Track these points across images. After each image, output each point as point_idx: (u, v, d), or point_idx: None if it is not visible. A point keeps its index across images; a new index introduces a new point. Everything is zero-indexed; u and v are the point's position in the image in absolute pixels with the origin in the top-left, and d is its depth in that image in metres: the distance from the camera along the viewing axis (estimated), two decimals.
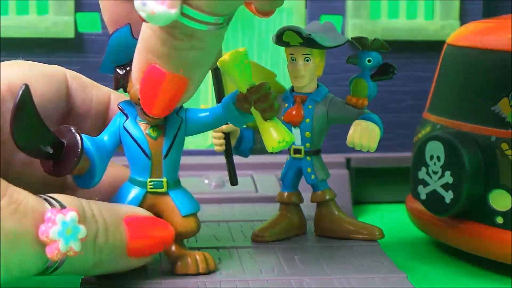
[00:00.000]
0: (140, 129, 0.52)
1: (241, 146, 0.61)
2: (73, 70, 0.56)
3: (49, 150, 0.50)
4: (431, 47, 0.77)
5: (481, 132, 0.61)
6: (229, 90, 0.60)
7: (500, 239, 0.59)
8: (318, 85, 0.59)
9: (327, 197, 0.60)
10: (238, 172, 0.61)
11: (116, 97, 0.57)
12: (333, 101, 0.59)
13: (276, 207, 0.61)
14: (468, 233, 0.61)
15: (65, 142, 0.50)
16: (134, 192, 0.53)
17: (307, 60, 0.58)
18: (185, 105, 0.53)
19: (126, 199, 0.53)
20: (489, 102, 0.60)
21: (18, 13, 0.73)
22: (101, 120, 0.57)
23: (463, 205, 0.60)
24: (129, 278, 0.52)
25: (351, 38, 0.58)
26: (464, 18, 0.77)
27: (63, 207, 0.47)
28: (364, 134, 0.56)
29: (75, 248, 0.46)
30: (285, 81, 0.60)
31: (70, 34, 0.73)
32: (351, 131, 0.56)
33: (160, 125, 0.52)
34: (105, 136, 0.53)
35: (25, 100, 0.47)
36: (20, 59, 0.54)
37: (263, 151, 0.60)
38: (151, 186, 0.53)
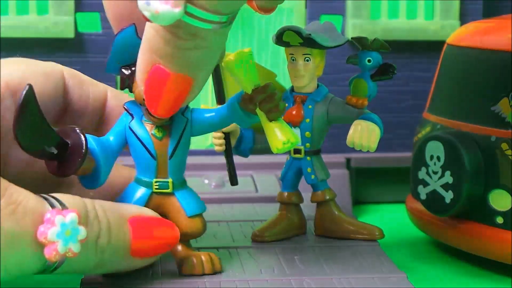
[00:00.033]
0: (145, 129, 0.52)
1: (241, 146, 0.61)
2: None
3: (53, 150, 0.49)
4: (431, 47, 0.77)
5: (481, 132, 0.61)
6: (229, 90, 0.60)
7: (500, 239, 0.59)
8: (318, 85, 0.59)
9: (327, 197, 0.60)
10: (238, 172, 0.61)
11: (113, 94, 0.57)
12: (333, 101, 0.59)
13: (276, 207, 0.61)
14: (468, 233, 0.61)
15: (69, 142, 0.50)
16: (140, 192, 0.53)
17: (307, 60, 0.58)
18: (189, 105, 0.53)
19: (132, 199, 0.53)
20: (489, 102, 0.60)
21: (18, 13, 0.73)
22: (98, 117, 0.57)
23: (463, 205, 0.60)
24: (129, 278, 0.52)
25: (351, 38, 0.58)
26: (464, 18, 0.77)
27: (64, 207, 0.46)
28: (364, 134, 0.56)
29: (74, 249, 0.46)
30: (285, 81, 0.60)
31: (70, 34, 0.73)
32: (351, 131, 0.56)
33: (166, 126, 0.52)
34: (111, 137, 0.53)
35: (29, 100, 0.47)
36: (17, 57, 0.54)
37: (263, 151, 0.61)
38: (157, 187, 0.53)
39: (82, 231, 0.46)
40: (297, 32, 0.56)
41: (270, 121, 0.51)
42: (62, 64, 0.56)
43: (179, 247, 0.53)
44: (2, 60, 0.53)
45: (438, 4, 0.77)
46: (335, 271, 0.53)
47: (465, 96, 0.63)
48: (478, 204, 0.60)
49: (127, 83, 0.52)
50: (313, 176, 0.60)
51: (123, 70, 0.52)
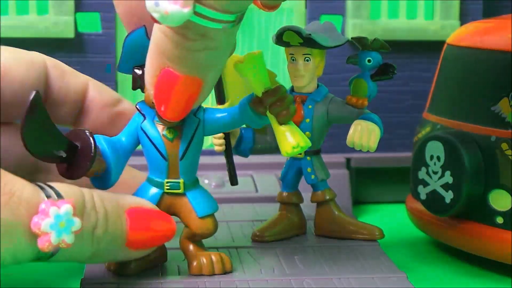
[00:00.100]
0: (157, 130, 0.52)
1: (241, 146, 0.61)
2: None
3: (62, 154, 0.49)
4: (431, 47, 0.77)
5: (481, 132, 0.61)
6: (229, 90, 0.60)
7: (500, 239, 0.59)
8: (318, 85, 0.59)
9: (327, 197, 0.60)
10: (238, 172, 0.61)
11: (94, 85, 0.57)
12: (333, 101, 0.59)
13: (276, 207, 0.61)
14: (468, 233, 0.61)
15: (78, 145, 0.50)
16: (152, 192, 0.53)
17: (307, 60, 0.58)
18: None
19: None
20: (489, 102, 0.60)
21: (18, 13, 0.73)
22: (77, 109, 0.57)
23: (463, 205, 0.60)
24: (129, 278, 0.52)
25: (351, 38, 0.58)
26: (464, 18, 0.77)
27: (60, 198, 0.46)
28: (364, 134, 0.56)
29: (67, 240, 0.46)
30: (285, 81, 0.60)
31: (70, 34, 0.73)
32: (351, 131, 0.56)
33: (177, 127, 0.52)
34: (123, 137, 0.53)
35: (36, 105, 0.47)
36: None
37: (263, 151, 0.61)
38: (168, 187, 0.52)
39: (77, 223, 0.46)
40: (297, 32, 0.56)
41: (281, 124, 0.51)
42: None
43: (191, 247, 0.53)
44: None
45: (438, 4, 0.77)
46: (335, 271, 0.53)
47: (465, 96, 0.63)
48: (478, 204, 0.60)
49: (139, 83, 0.52)
50: (313, 176, 0.60)
51: (135, 70, 0.52)
